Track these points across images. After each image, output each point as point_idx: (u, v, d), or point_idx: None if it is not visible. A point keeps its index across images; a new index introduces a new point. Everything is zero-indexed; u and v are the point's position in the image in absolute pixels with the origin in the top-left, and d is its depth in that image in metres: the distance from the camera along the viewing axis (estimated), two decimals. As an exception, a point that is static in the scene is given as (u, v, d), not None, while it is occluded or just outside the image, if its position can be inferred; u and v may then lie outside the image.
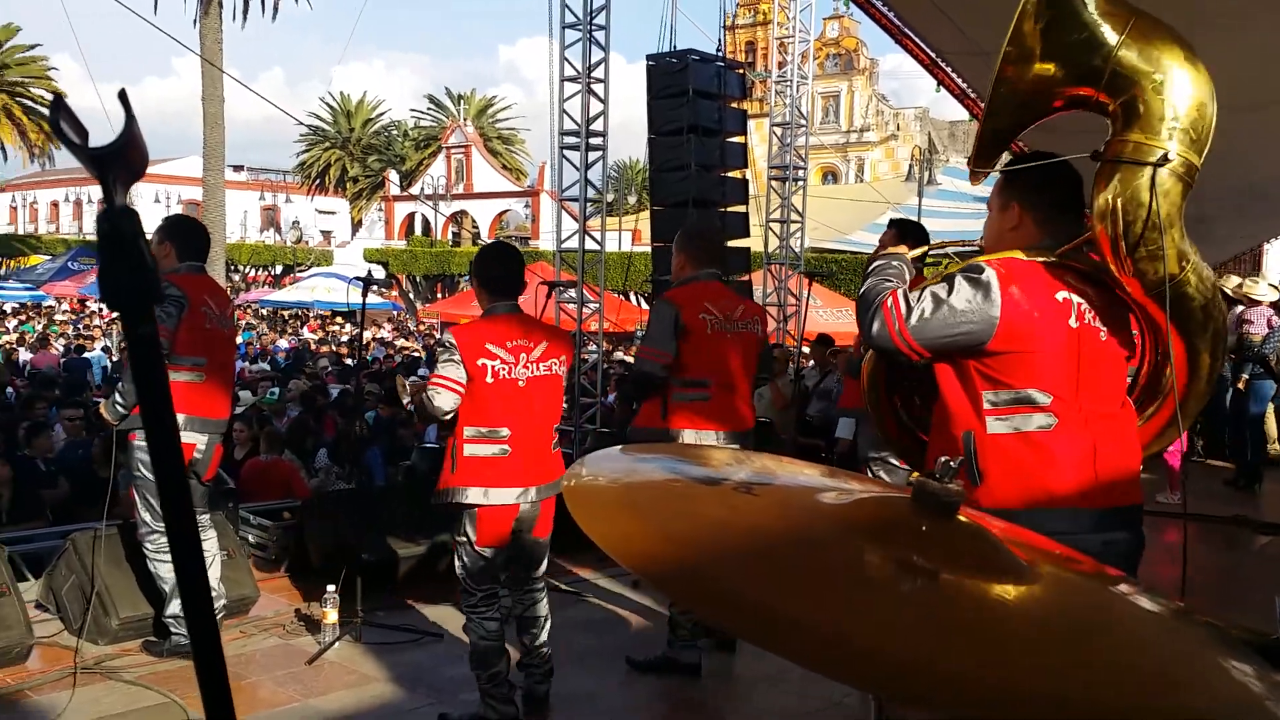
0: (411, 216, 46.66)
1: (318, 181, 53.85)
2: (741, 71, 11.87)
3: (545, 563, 4.29)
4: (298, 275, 39.32)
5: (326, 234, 55.46)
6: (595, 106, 10.24)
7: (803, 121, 13.90)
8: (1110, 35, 2.26)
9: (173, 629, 4.68)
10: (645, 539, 1.07)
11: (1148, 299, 2.35)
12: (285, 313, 31.51)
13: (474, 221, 45.18)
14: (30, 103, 39.34)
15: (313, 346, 20.73)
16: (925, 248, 2.88)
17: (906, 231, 4.53)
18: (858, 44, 49.85)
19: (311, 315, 30.25)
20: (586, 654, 5.00)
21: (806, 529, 1.13)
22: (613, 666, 4.83)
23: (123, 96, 0.66)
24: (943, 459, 1.16)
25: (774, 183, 13.88)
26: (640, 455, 1.41)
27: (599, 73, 10.21)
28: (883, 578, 1.08)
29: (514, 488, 3.93)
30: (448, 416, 3.88)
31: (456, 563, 4.07)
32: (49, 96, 39.77)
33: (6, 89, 38.33)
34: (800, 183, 13.83)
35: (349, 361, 17.05)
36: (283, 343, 22.25)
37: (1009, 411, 2.37)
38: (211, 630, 0.70)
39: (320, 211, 55.99)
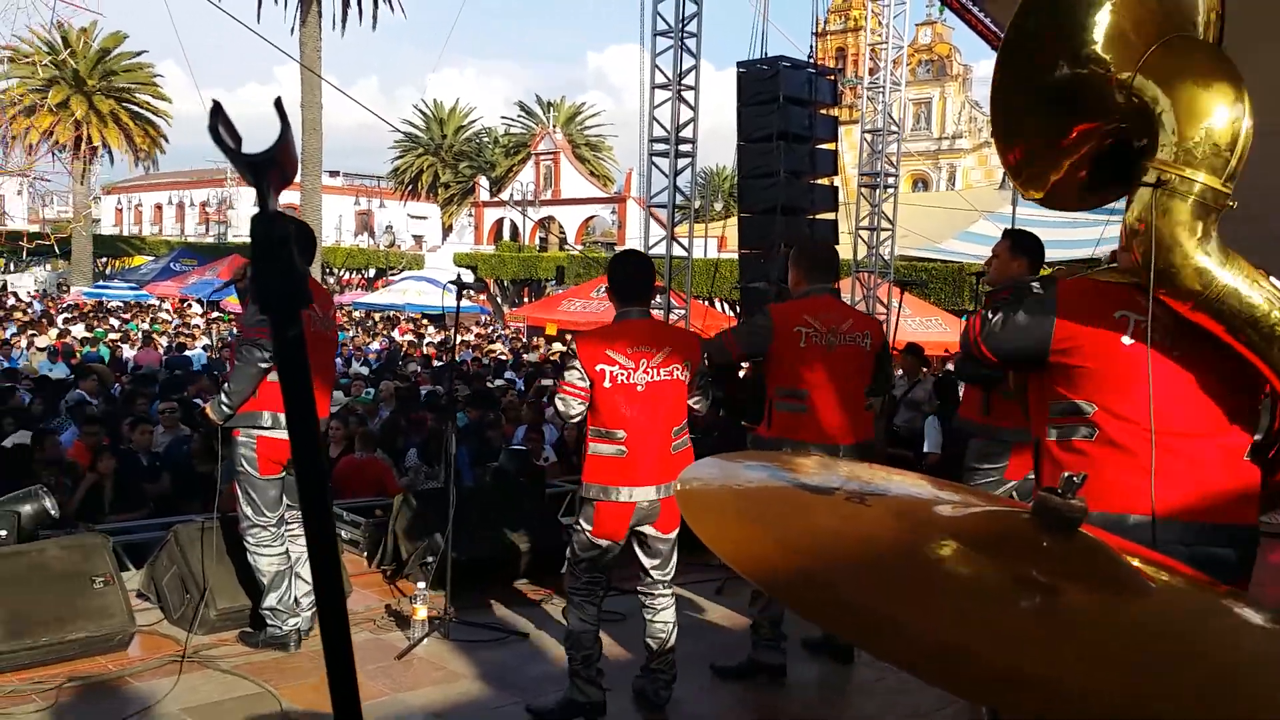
0: (500, 222, 47.24)
1: (410, 187, 54.80)
2: (833, 78, 11.78)
3: (673, 565, 4.36)
4: (389, 279, 40.10)
5: (418, 238, 56.49)
6: (685, 113, 10.26)
7: (895, 128, 13.76)
8: (1125, 65, 2.40)
9: (268, 621, 4.80)
10: (760, 546, 1.07)
11: (1196, 316, 2.42)
12: (376, 315, 32.14)
13: (561, 227, 45.57)
14: (136, 108, 40.65)
15: (405, 349, 21.08)
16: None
17: (1019, 242, 4.47)
18: (950, 50, 49.13)
19: (403, 318, 30.80)
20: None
21: (923, 540, 1.12)
22: (697, 673, 4.81)
23: (278, 104, 0.68)
24: (1065, 474, 1.14)
25: (864, 190, 13.76)
26: (745, 463, 1.41)
27: (689, 80, 10.24)
28: (1002, 591, 1.06)
29: (631, 486, 4.10)
30: (575, 419, 4.16)
31: (569, 547, 4.28)
32: (154, 102, 41.16)
33: (114, 95, 39.63)
34: (891, 190, 13.68)
35: (436, 364, 17.34)
36: (374, 344, 22.67)
37: (1061, 420, 2.57)
38: (342, 623, 0.72)
39: (412, 216, 57.04)
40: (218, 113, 0.64)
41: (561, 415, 4.21)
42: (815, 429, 4.55)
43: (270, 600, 4.77)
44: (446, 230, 53.81)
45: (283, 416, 4.56)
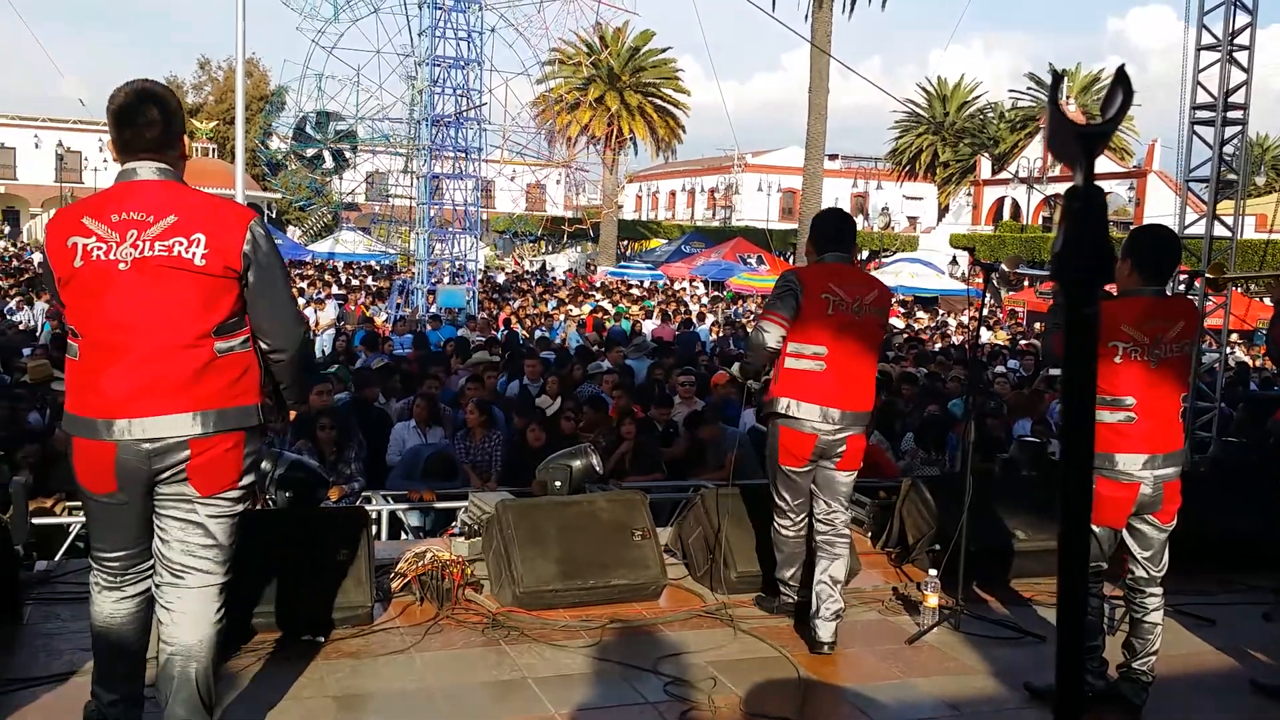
0: (1000, 201, 45.40)
1: (908, 167, 54.23)
2: None
3: (1165, 561, 4.14)
4: (881, 260, 40.04)
5: (912, 219, 55.85)
6: (1235, 77, 9.12)
7: None
8: None
9: (782, 590, 4.97)
10: None
11: None
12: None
13: (1068, 206, 42.75)
14: (659, 101, 43.89)
15: (900, 333, 20.91)
16: None
17: None
18: None
19: (894, 301, 30.58)
20: (1210, 681, 4.56)
21: None
22: (1239, 696, 4.35)
23: (1121, 72, 0.65)
24: None
25: None
26: None
27: (1242, 39, 9.08)
28: None
29: (1137, 454, 3.93)
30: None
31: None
32: (675, 95, 44.23)
33: (642, 90, 43.12)
34: None
35: (930, 348, 17.02)
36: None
37: None
38: (1078, 611, 0.68)
39: (907, 197, 56.46)
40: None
41: (1044, 357, 4.29)
42: None
43: (785, 573, 4.93)
44: (942, 211, 52.67)
45: (796, 404, 4.62)
